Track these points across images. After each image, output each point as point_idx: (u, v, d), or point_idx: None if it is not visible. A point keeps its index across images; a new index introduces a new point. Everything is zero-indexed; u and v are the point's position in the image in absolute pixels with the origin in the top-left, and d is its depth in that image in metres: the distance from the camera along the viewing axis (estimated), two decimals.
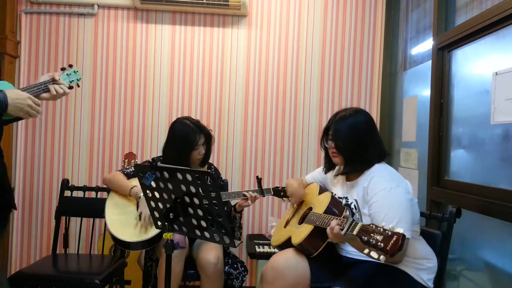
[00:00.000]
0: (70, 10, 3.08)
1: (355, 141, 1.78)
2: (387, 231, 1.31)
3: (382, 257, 1.29)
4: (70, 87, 1.87)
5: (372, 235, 1.33)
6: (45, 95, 1.74)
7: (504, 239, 1.90)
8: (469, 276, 2.19)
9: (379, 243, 1.29)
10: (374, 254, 1.31)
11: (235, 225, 2.38)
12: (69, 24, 3.08)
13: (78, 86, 1.88)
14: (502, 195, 1.81)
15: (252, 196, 2.27)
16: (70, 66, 1.92)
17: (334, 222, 1.52)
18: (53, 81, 1.78)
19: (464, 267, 2.21)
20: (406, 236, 1.52)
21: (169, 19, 3.12)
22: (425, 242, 1.76)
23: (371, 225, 1.37)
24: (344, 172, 1.85)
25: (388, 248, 1.27)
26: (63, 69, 1.90)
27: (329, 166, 1.96)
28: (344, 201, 1.83)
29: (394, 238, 1.28)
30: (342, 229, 1.45)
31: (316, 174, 2.14)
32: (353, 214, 1.46)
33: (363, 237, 1.35)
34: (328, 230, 1.54)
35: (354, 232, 1.39)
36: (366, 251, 1.34)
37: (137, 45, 3.11)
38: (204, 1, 2.94)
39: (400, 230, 1.30)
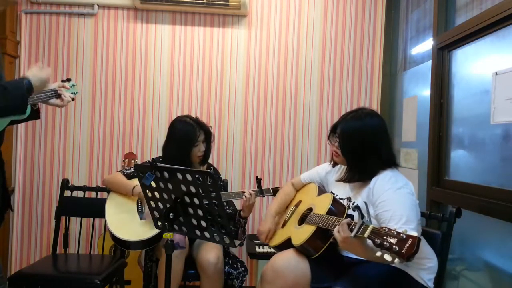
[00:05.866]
0: (70, 10, 3.08)
1: (358, 145, 1.75)
2: (401, 234, 1.29)
3: (397, 260, 1.27)
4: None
5: (385, 237, 1.31)
6: (56, 101, 1.83)
7: (504, 239, 1.90)
8: (469, 276, 2.19)
9: (393, 246, 1.28)
10: (388, 257, 1.28)
11: (239, 228, 2.37)
12: (69, 24, 3.08)
13: (73, 99, 1.95)
14: (502, 195, 1.81)
15: (253, 194, 2.27)
16: (69, 80, 1.98)
17: (342, 222, 1.50)
18: (59, 91, 1.84)
19: (464, 267, 2.21)
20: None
21: (169, 19, 3.12)
22: (425, 242, 1.76)
23: (384, 228, 1.35)
24: (346, 179, 1.82)
25: (404, 251, 1.25)
26: (65, 81, 1.95)
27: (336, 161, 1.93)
28: (346, 202, 1.82)
29: (410, 242, 1.26)
30: (351, 230, 1.43)
31: (313, 173, 2.13)
32: (362, 216, 1.44)
33: (375, 239, 1.33)
34: (335, 231, 1.52)
35: (365, 234, 1.37)
36: (379, 254, 1.31)
37: (137, 45, 3.11)
38: (204, 1, 2.94)
39: (414, 233, 1.29)
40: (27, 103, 1.58)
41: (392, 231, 1.32)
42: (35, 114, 1.85)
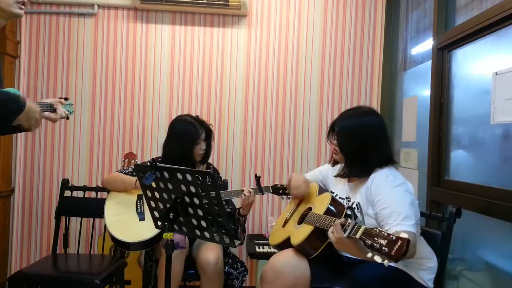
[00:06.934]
0: (70, 10, 3.08)
1: (356, 143, 1.76)
2: (391, 236, 1.29)
3: (386, 261, 1.28)
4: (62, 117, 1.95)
5: (376, 239, 1.32)
6: (50, 114, 1.82)
7: (504, 239, 1.90)
8: (469, 276, 2.19)
9: (383, 248, 1.28)
10: (378, 258, 1.29)
11: (238, 227, 2.37)
12: (69, 24, 3.08)
13: (68, 118, 1.96)
14: (502, 195, 1.81)
15: (252, 192, 2.27)
16: (66, 99, 1.99)
17: (336, 223, 1.51)
18: (55, 106, 1.85)
19: (464, 267, 2.21)
20: (413, 232, 1.52)
21: (169, 19, 3.12)
22: (425, 242, 1.76)
23: (375, 229, 1.36)
24: (344, 174, 1.83)
25: (392, 253, 1.26)
26: (62, 98, 1.96)
27: (336, 161, 1.94)
28: (345, 201, 1.83)
29: (399, 243, 1.27)
30: (344, 231, 1.44)
31: (316, 173, 2.14)
32: (356, 216, 1.45)
33: (366, 240, 1.33)
34: (329, 232, 1.53)
35: (357, 236, 1.38)
36: (370, 255, 1.32)
37: (137, 45, 3.11)
38: (204, 1, 2.94)
39: (404, 235, 1.29)
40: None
41: (383, 232, 1.32)
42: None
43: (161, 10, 3.08)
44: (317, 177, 2.11)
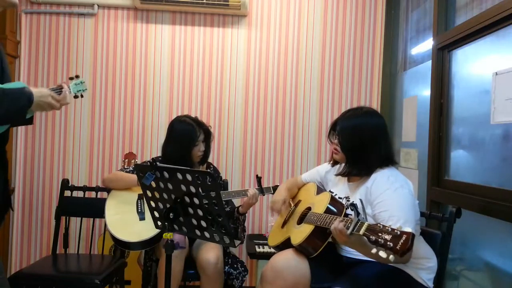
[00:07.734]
0: (70, 10, 3.08)
1: (356, 142, 1.76)
2: (395, 231, 1.30)
3: (391, 257, 1.28)
4: (76, 96, 1.93)
5: (380, 234, 1.32)
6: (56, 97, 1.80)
7: (504, 239, 1.90)
8: (469, 276, 2.19)
9: (388, 243, 1.28)
10: (382, 254, 1.29)
11: (238, 226, 2.37)
12: (69, 24, 3.08)
13: (82, 96, 1.94)
14: (502, 195, 1.81)
15: (256, 193, 2.27)
16: (77, 76, 1.97)
17: (338, 221, 1.51)
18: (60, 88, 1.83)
19: (464, 267, 2.21)
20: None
21: (169, 19, 3.12)
22: (424, 242, 1.76)
23: (378, 224, 1.36)
24: (344, 173, 1.84)
25: (398, 247, 1.26)
26: (71, 78, 1.95)
27: (335, 160, 1.95)
28: (344, 201, 1.83)
29: (404, 238, 1.27)
30: (347, 228, 1.44)
31: (314, 173, 2.13)
32: (358, 213, 1.45)
33: (370, 236, 1.34)
34: (332, 228, 1.53)
35: (361, 232, 1.38)
36: (374, 250, 1.32)
37: (137, 45, 3.11)
38: (204, 1, 2.94)
39: (408, 229, 1.29)
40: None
41: (387, 228, 1.33)
42: (28, 120, 1.84)
43: (161, 10, 3.08)
44: (315, 176, 2.11)
